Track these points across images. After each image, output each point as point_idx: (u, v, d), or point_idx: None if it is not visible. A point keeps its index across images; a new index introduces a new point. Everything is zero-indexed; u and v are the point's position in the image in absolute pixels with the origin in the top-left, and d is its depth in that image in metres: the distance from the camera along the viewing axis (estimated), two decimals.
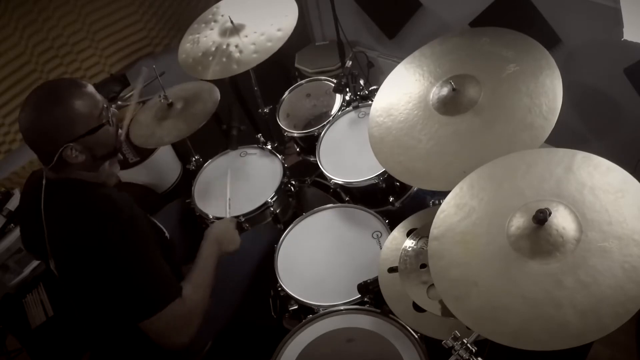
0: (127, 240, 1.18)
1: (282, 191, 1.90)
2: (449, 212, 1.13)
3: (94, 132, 1.24)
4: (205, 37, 2.01)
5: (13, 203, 2.11)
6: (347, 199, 1.88)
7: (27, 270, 2.14)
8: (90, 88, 1.26)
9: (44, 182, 1.28)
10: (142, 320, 1.20)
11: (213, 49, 1.95)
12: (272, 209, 1.87)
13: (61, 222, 1.23)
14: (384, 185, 1.72)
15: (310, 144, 2.02)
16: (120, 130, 1.35)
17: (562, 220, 0.98)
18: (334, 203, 1.81)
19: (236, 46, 1.91)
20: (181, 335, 1.25)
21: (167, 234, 1.51)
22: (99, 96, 1.27)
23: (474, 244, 1.06)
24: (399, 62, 1.57)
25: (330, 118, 2.00)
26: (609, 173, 1.01)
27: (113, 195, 1.25)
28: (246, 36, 1.92)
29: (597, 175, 1.02)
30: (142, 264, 1.20)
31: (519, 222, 1.02)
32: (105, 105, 1.27)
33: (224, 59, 1.90)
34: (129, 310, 1.21)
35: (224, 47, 1.93)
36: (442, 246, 1.09)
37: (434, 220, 1.14)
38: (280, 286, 1.57)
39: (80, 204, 1.23)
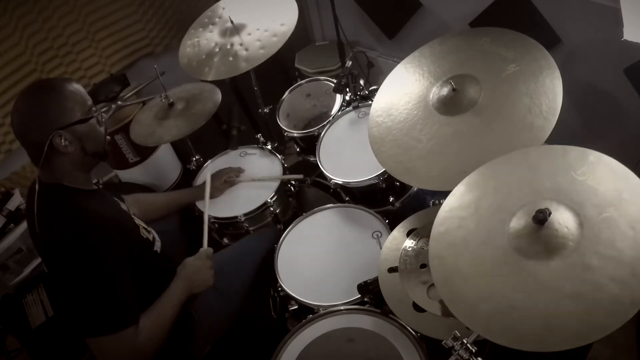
0: (94, 257, 1.20)
1: (282, 191, 1.90)
2: (447, 226, 1.11)
3: (84, 122, 1.25)
4: (206, 39, 2.01)
5: (13, 203, 2.11)
6: (347, 199, 1.88)
7: (27, 270, 2.14)
8: (80, 86, 1.29)
9: (36, 186, 1.27)
10: (88, 337, 1.19)
11: (217, 49, 1.95)
12: (272, 209, 1.87)
13: (45, 227, 1.24)
14: (384, 185, 1.72)
15: (310, 144, 2.02)
16: (107, 137, 1.36)
17: (559, 216, 0.97)
18: (334, 203, 1.81)
19: (241, 44, 1.91)
20: None
21: (157, 248, 1.48)
22: (87, 96, 1.29)
23: (482, 257, 1.03)
24: (399, 62, 1.57)
25: (330, 118, 2.00)
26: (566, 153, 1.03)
27: (93, 212, 1.24)
28: (249, 34, 1.92)
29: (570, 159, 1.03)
30: (102, 284, 1.20)
31: (519, 224, 1.01)
32: (93, 105, 1.30)
33: (231, 58, 1.90)
34: (80, 323, 1.21)
35: (228, 46, 1.93)
36: (446, 261, 1.07)
37: (433, 235, 1.11)
38: (280, 286, 1.57)
39: (62, 215, 1.23)
